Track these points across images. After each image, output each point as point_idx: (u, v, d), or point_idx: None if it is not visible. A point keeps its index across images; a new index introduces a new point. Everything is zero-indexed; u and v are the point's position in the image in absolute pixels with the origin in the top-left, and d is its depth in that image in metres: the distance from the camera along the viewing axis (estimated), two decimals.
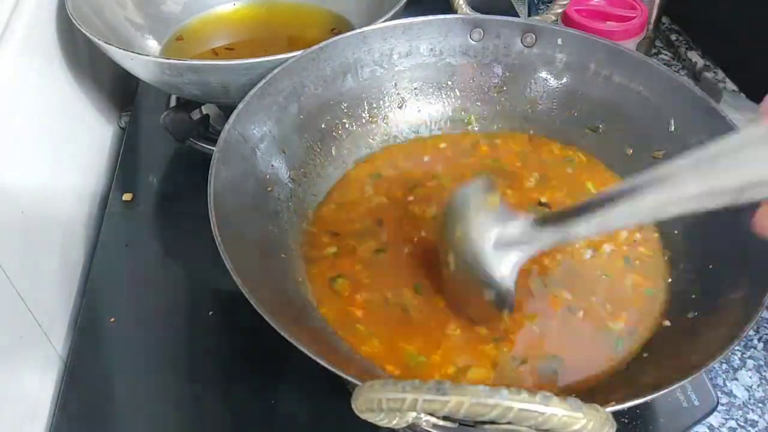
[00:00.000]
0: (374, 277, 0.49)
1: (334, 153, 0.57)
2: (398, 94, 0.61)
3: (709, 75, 0.79)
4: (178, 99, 0.72)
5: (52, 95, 0.61)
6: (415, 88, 0.61)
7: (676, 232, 0.50)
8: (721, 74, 0.79)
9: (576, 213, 0.37)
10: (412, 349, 0.44)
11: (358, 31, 0.58)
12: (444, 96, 0.62)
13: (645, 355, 0.43)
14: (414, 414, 0.30)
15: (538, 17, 0.73)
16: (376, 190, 0.55)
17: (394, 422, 0.31)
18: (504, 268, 0.41)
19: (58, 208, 0.58)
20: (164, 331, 0.53)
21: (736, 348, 0.53)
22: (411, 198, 0.54)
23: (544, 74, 0.60)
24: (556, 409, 0.27)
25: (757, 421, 0.49)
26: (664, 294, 0.47)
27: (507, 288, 0.41)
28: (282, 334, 0.36)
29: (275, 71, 0.53)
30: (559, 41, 0.58)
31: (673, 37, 0.86)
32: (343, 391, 0.45)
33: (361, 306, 0.47)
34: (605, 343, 0.44)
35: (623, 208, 0.35)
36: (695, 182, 0.32)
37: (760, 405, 0.49)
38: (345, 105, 0.58)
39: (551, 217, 0.40)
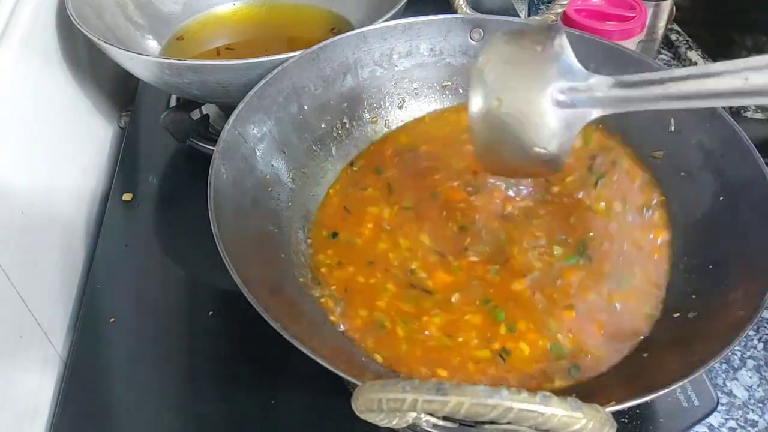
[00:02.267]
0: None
1: (334, 153, 0.57)
2: (398, 94, 0.61)
3: None
4: (178, 99, 0.72)
5: (52, 95, 0.61)
6: (415, 88, 0.61)
7: (676, 232, 0.50)
8: None
9: (653, 81, 0.36)
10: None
11: (358, 31, 0.58)
12: (444, 96, 0.62)
13: (645, 355, 0.43)
14: (414, 414, 0.30)
15: (538, 17, 0.73)
16: (377, 189, 0.55)
17: (394, 422, 0.31)
18: (563, 129, 0.39)
19: (58, 208, 0.58)
20: (164, 331, 0.53)
21: (736, 348, 0.53)
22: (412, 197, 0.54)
23: None
24: (556, 409, 0.27)
25: (757, 421, 0.49)
26: (664, 294, 0.47)
27: (562, 152, 0.39)
28: (282, 334, 0.36)
29: (275, 71, 0.53)
30: None
31: (673, 37, 0.86)
32: (343, 391, 0.45)
33: (362, 306, 0.47)
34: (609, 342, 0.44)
35: (695, 85, 0.35)
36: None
37: (760, 405, 0.49)
38: (345, 105, 0.58)
39: (628, 81, 0.38)
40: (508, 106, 0.40)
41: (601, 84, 0.38)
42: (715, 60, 0.81)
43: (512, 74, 0.41)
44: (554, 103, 0.39)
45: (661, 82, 0.36)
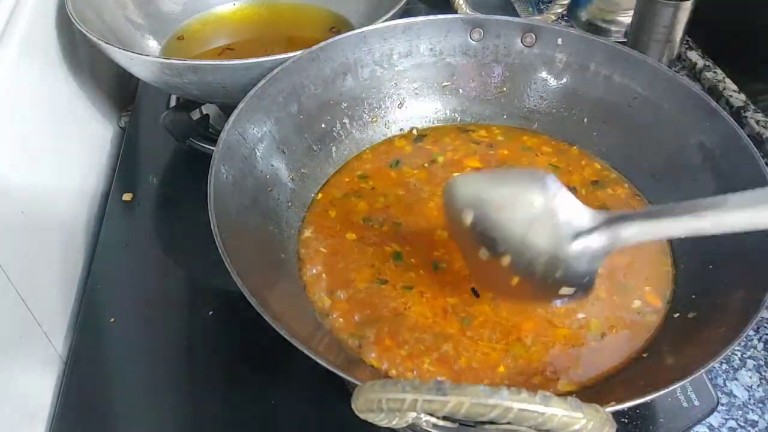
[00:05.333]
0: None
1: (334, 153, 0.57)
2: (398, 94, 0.61)
3: (709, 75, 0.79)
4: (178, 99, 0.72)
5: (52, 95, 0.61)
6: (415, 88, 0.61)
7: None
8: (720, 74, 0.79)
9: (655, 215, 0.37)
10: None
11: (358, 31, 0.58)
12: (444, 96, 0.62)
13: (645, 355, 0.43)
14: (414, 414, 0.30)
15: (538, 17, 0.73)
16: (374, 190, 0.55)
17: (394, 422, 0.31)
18: (586, 264, 0.38)
19: (58, 208, 0.58)
20: (164, 331, 0.53)
21: (736, 348, 0.53)
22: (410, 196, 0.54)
23: (544, 74, 0.60)
24: (555, 409, 0.27)
25: (757, 421, 0.48)
26: (664, 294, 0.47)
27: (590, 279, 0.38)
28: (282, 334, 0.36)
29: (275, 71, 0.53)
30: (559, 41, 0.58)
31: None
32: (343, 391, 0.45)
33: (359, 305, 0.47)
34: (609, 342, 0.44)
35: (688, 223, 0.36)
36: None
37: (760, 405, 0.49)
38: (345, 105, 0.58)
39: (633, 217, 0.38)
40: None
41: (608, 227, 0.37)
42: (715, 61, 0.81)
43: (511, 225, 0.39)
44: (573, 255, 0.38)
45: (658, 216, 0.37)
